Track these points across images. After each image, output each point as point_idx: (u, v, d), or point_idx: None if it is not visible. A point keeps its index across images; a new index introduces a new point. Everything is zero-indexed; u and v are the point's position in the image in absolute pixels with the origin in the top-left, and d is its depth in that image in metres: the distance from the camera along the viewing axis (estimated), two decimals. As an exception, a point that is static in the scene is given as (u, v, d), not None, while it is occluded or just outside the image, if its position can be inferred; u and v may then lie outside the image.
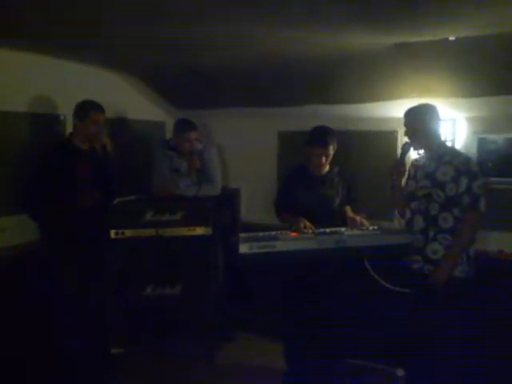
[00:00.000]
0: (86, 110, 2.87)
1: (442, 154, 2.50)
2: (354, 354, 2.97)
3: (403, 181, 2.71)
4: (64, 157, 2.83)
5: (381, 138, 3.56)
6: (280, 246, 2.55)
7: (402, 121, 3.36)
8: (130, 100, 3.92)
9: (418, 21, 2.18)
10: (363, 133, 3.59)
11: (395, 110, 3.34)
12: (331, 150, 2.89)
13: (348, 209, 2.96)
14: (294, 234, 2.68)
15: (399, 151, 3.44)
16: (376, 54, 2.71)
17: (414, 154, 2.79)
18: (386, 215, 3.41)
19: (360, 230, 2.73)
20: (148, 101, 4.13)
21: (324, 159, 2.89)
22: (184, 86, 3.90)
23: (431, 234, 2.48)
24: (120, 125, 3.84)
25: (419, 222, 2.53)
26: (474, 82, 2.83)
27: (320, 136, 2.87)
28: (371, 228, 2.76)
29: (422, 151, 2.62)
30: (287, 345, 3.05)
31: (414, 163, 2.70)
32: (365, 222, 2.79)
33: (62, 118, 3.26)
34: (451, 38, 2.43)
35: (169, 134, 3.83)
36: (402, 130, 3.42)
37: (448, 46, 2.50)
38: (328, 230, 2.70)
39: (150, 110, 4.16)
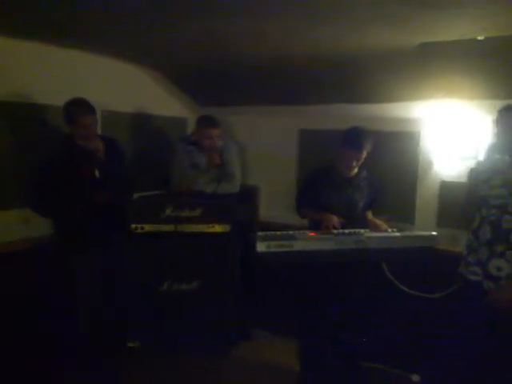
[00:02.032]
0: (73, 114, 2.71)
1: None
2: (370, 357, 2.94)
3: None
4: (69, 154, 2.77)
5: (403, 139, 3.50)
6: (298, 245, 2.53)
7: (425, 121, 3.36)
8: (153, 95, 3.95)
9: (443, 20, 2.14)
10: (386, 133, 3.54)
11: (418, 110, 3.30)
12: (364, 154, 2.80)
13: (369, 213, 2.92)
14: (312, 234, 2.65)
15: (422, 152, 3.42)
16: (401, 54, 2.67)
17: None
18: (406, 218, 3.37)
19: (380, 233, 2.69)
20: (171, 97, 4.15)
21: (355, 162, 2.82)
22: (207, 82, 3.92)
23: (499, 248, 2.24)
24: (141, 120, 3.87)
25: (486, 233, 2.29)
26: (501, 84, 2.76)
27: (356, 138, 2.77)
28: (391, 230, 2.72)
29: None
30: (302, 345, 3.04)
31: (489, 166, 2.39)
32: (385, 226, 2.75)
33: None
34: (480, 38, 2.37)
35: (190, 131, 3.84)
36: (424, 131, 3.41)
37: (476, 46, 2.44)
38: (347, 231, 2.67)
39: (172, 106, 4.18)
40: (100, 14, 2.35)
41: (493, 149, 2.36)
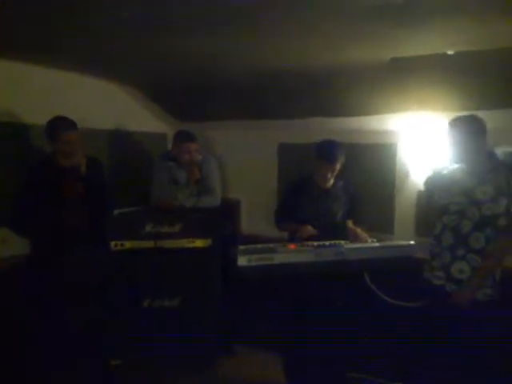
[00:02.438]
0: (55, 130, 2.72)
1: (483, 171, 2.31)
2: (355, 368, 2.95)
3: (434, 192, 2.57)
4: (45, 174, 2.76)
5: (380, 151, 3.57)
6: (278, 258, 2.54)
7: (401, 133, 3.44)
8: (132, 112, 3.95)
9: (414, 35, 2.21)
10: (363, 145, 3.60)
11: (394, 123, 3.38)
12: (338, 165, 2.88)
13: (350, 222, 2.96)
14: (292, 247, 2.67)
15: (399, 164, 3.49)
16: (374, 68, 2.74)
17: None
18: (384, 228, 3.42)
19: (360, 243, 2.72)
20: (150, 113, 4.16)
21: (330, 174, 2.89)
22: (185, 98, 3.94)
23: (460, 252, 2.34)
24: (120, 136, 3.86)
25: (448, 239, 2.39)
26: (471, 96, 2.85)
27: (329, 151, 2.85)
28: (370, 241, 2.76)
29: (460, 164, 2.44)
30: (287, 359, 3.03)
31: (449, 175, 2.51)
32: (365, 235, 2.79)
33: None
34: (449, 53, 2.45)
35: (170, 146, 3.85)
36: (400, 143, 3.48)
37: (446, 61, 2.52)
38: (327, 242, 2.70)
39: (151, 122, 4.19)
40: (77, 32, 2.35)
41: (450, 159, 2.46)
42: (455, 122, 2.37)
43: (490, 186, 2.27)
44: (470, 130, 2.32)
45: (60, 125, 2.74)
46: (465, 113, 2.58)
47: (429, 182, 2.57)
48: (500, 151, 3.17)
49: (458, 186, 2.41)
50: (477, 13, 1.88)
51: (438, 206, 2.52)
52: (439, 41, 2.30)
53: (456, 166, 2.47)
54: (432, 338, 2.40)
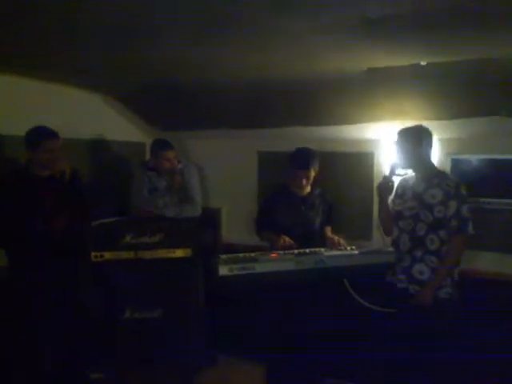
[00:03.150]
0: (37, 138, 2.71)
1: (431, 176, 2.50)
2: (335, 375, 2.97)
3: (390, 199, 2.71)
4: (20, 184, 2.73)
5: (358, 159, 3.63)
6: (259, 267, 2.55)
7: (379, 142, 3.51)
8: (109, 121, 3.92)
9: (389, 47, 2.27)
10: (341, 154, 3.66)
11: (371, 131, 3.44)
12: (312, 172, 2.93)
13: (328, 229, 3.01)
14: (273, 256, 2.69)
15: (376, 172, 3.55)
16: (350, 79, 2.80)
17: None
18: (363, 235, 3.46)
19: (339, 250, 2.76)
20: (128, 122, 4.14)
21: (305, 181, 2.93)
22: (163, 107, 3.93)
23: (418, 254, 2.48)
24: (99, 146, 3.83)
25: (406, 242, 2.53)
26: (444, 105, 2.93)
27: (302, 158, 2.91)
28: (349, 248, 2.80)
29: (410, 171, 2.64)
30: (269, 367, 3.03)
31: (403, 182, 2.69)
32: (343, 241, 2.83)
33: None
34: (423, 63, 2.52)
35: (148, 155, 3.83)
36: (378, 151, 3.55)
37: (420, 71, 2.59)
38: (308, 250, 2.73)
39: (129, 132, 4.16)
40: (55, 43, 2.34)
41: (397, 166, 2.65)
42: (403, 132, 2.56)
43: (439, 189, 2.43)
44: (417, 138, 2.51)
45: (41, 133, 2.73)
46: (437, 122, 2.68)
47: (382, 188, 2.68)
48: (475, 158, 3.28)
49: (409, 192, 2.57)
50: (449, 26, 1.95)
51: (391, 211, 2.66)
52: (413, 52, 2.37)
53: (406, 173, 2.66)
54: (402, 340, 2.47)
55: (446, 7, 1.73)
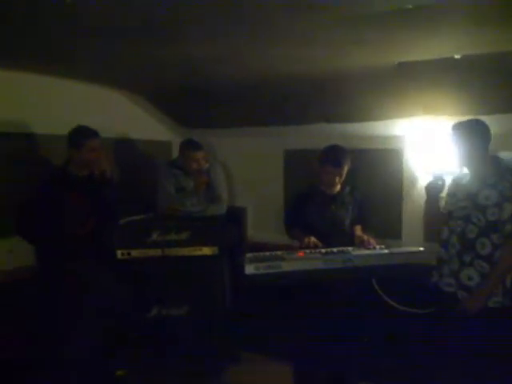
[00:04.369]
0: (81, 138, 2.78)
1: (486, 176, 2.30)
2: (364, 376, 2.91)
3: (441, 199, 2.54)
4: (60, 185, 2.79)
5: (386, 156, 3.55)
6: (286, 266, 2.52)
7: (408, 139, 3.42)
8: (135, 120, 3.95)
9: (419, 40, 2.20)
10: (368, 151, 3.58)
11: (400, 128, 3.36)
12: (344, 170, 2.86)
13: (358, 228, 2.94)
14: (300, 254, 2.65)
15: (405, 169, 3.47)
16: (380, 74, 2.73)
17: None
18: (391, 233, 3.39)
19: (368, 250, 2.70)
20: (154, 120, 4.16)
21: (337, 179, 2.87)
22: (190, 105, 3.94)
23: (467, 258, 2.31)
24: (125, 145, 3.86)
25: (455, 244, 2.36)
26: (479, 100, 2.83)
27: (334, 155, 2.84)
28: (378, 247, 2.73)
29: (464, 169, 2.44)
30: (295, 366, 3.00)
31: (456, 180, 2.51)
32: (372, 240, 2.77)
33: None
34: (456, 57, 2.44)
35: (175, 154, 3.84)
36: (406, 148, 3.46)
37: (453, 65, 2.50)
38: (335, 249, 2.68)
39: (155, 130, 4.18)
40: (80, 41, 2.36)
41: (455, 163, 2.45)
42: (458, 126, 2.37)
43: (494, 190, 2.24)
44: (473, 134, 2.32)
45: (85, 133, 2.80)
46: (471, 117, 2.58)
47: (430, 188, 2.53)
48: (505, 155, 3.15)
49: (462, 191, 2.40)
50: (483, 17, 1.87)
51: (443, 211, 2.50)
52: (446, 45, 2.29)
53: (461, 170, 2.46)
54: (444, 345, 2.37)
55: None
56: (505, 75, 2.56)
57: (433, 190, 2.51)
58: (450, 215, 2.43)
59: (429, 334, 2.54)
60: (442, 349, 2.40)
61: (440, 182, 2.50)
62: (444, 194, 2.53)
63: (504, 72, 2.53)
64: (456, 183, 2.50)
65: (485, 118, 2.94)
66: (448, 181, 2.54)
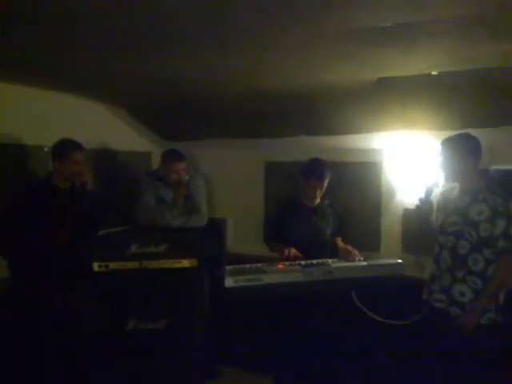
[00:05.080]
0: (65, 150, 2.80)
1: (476, 190, 2.27)
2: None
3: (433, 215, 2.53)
4: (40, 196, 2.78)
5: (365, 169, 3.59)
6: (267, 278, 2.52)
7: (386, 152, 3.47)
8: (116, 131, 3.91)
9: (400, 56, 2.24)
10: (348, 164, 3.62)
11: (379, 141, 3.41)
12: (325, 183, 2.91)
13: (339, 240, 2.97)
14: (280, 266, 2.65)
15: (384, 182, 3.52)
16: (361, 88, 2.78)
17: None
18: (370, 246, 3.42)
19: (347, 262, 2.72)
20: (134, 132, 4.13)
21: (318, 191, 2.91)
22: (170, 117, 3.92)
23: (460, 274, 2.27)
24: (106, 156, 3.82)
25: (446, 259, 2.34)
26: (454, 115, 2.90)
27: (316, 169, 2.89)
28: (358, 259, 2.75)
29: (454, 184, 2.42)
30: (275, 379, 2.98)
31: (445, 194, 2.49)
32: (356, 252, 2.79)
33: (46, 149, 3.23)
34: (434, 73, 2.49)
35: (155, 165, 3.81)
36: (386, 161, 3.51)
37: (430, 81, 2.56)
38: (315, 261, 2.69)
39: (136, 141, 4.15)
40: (62, 52, 2.33)
41: (443, 177, 2.45)
42: (448, 141, 2.35)
43: (485, 205, 2.22)
44: (463, 149, 2.30)
45: (70, 145, 2.81)
46: (448, 132, 2.64)
47: (422, 202, 2.52)
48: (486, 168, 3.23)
49: (452, 206, 2.37)
50: (460, 35, 1.92)
51: (434, 226, 2.49)
52: (424, 62, 2.34)
53: (449, 184, 2.45)
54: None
55: (459, 16, 1.70)
56: (481, 92, 2.63)
57: (425, 205, 2.51)
58: (440, 230, 2.41)
59: (407, 346, 2.55)
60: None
61: (430, 198, 2.50)
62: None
63: (480, 88, 2.60)
64: (444, 197, 2.47)
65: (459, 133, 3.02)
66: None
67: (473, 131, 2.94)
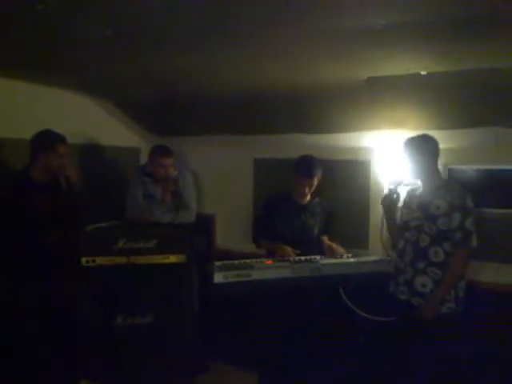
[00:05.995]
0: (51, 142, 2.66)
1: (437, 187, 2.44)
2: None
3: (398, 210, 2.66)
4: (20, 191, 2.65)
5: (354, 167, 3.62)
6: (255, 274, 2.53)
7: (375, 151, 3.51)
8: (104, 126, 3.88)
9: (389, 56, 2.27)
10: (337, 162, 3.64)
11: (368, 140, 3.44)
12: (316, 181, 2.92)
13: (325, 237, 2.99)
14: (269, 262, 2.67)
15: (373, 180, 3.55)
16: (350, 87, 2.79)
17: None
18: (359, 243, 3.44)
19: (335, 259, 2.74)
20: (123, 127, 4.10)
21: (308, 189, 2.92)
22: (159, 112, 3.91)
23: (420, 266, 2.42)
24: (93, 151, 3.79)
25: (409, 253, 2.47)
26: (443, 115, 2.94)
27: (307, 167, 2.90)
28: (345, 256, 2.78)
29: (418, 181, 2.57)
30: (263, 375, 3.00)
31: (410, 192, 2.63)
32: (341, 249, 2.82)
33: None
34: (423, 73, 2.52)
35: (144, 161, 3.79)
36: (374, 160, 3.54)
37: (419, 80, 2.59)
38: (303, 258, 2.71)
39: (124, 136, 4.12)
40: (50, 46, 2.31)
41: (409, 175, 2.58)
42: (410, 142, 2.52)
43: (443, 200, 2.37)
44: (424, 149, 2.46)
45: (56, 136, 2.69)
46: (435, 132, 2.68)
47: (386, 200, 2.65)
48: (471, 169, 3.28)
49: (415, 202, 2.53)
50: (449, 36, 1.95)
51: (399, 222, 2.61)
52: (413, 62, 2.37)
53: (414, 183, 2.59)
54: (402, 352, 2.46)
55: (448, 17, 1.73)
56: (469, 92, 2.66)
57: (389, 204, 2.64)
58: (405, 226, 2.54)
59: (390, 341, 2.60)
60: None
61: (395, 195, 2.63)
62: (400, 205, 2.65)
63: (469, 89, 2.63)
64: (410, 195, 2.62)
65: (447, 133, 3.07)
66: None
67: (461, 131, 3.02)
